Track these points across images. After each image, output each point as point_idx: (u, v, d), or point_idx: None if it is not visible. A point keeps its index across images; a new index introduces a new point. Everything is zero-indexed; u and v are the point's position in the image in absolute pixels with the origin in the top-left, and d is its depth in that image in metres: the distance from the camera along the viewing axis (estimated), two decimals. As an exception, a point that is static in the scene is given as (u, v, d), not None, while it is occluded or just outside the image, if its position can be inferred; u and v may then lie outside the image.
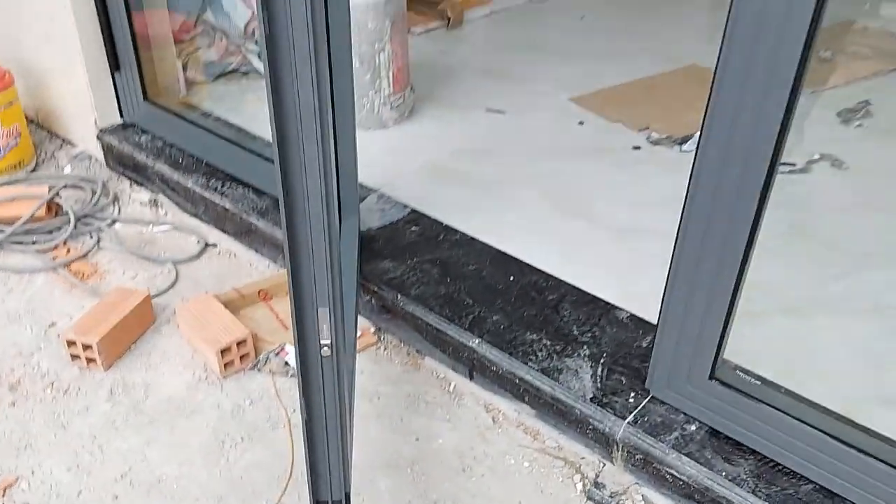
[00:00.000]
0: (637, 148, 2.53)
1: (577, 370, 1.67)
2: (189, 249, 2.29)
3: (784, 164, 1.30)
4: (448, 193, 2.28)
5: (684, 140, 2.53)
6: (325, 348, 1.27)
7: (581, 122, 2.68)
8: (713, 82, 1.26)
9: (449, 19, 3.40)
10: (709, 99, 1.27)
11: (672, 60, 3.11)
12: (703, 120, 1.30)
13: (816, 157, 2.45)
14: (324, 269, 1.20)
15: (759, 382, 1.46)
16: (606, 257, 2.04)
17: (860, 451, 1.34)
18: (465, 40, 3.37)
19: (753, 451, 1.47)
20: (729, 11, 1.19)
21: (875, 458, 1.33)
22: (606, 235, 2.12)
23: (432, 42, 3.31)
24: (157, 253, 2.28)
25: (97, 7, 2.32)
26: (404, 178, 2.35)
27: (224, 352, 1.85)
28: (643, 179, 2.37)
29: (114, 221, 2.39)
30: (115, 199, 2.48)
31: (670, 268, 1.46)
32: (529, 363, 1.68)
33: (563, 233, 2.13)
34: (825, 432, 1.38)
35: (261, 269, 2.22)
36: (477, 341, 1.75)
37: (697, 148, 1.34)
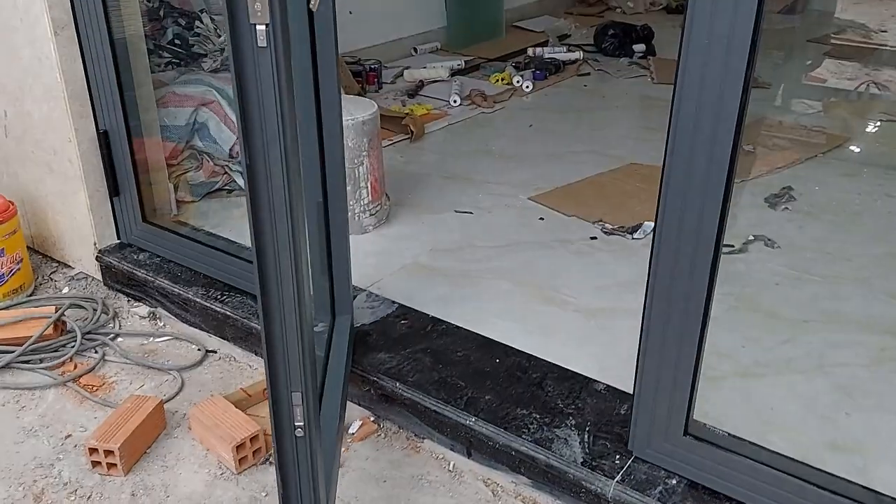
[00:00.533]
0: (594, 238, 2.81)
1: (566, 439, 1.86)
2: (191, 357, 2.45)
3: (725, 245, 1.57)
4: (431, 288, 2.51)
5: (634, 229, 2.82)
6: (299, 429, 1.44)
7: (541, 218, 2.97)
8: (662, 178, 1.53)
9: (412, 133, 3.72)
10: (660, 193, 1.55)
11: (614, 159, 3.47)
12: (657, 212, 1.57)
13: (751, 238, 2.77)
14: (297, 356, 1.39)
15: (727, 435, 1.69)
16: (579, 336, 2.27)
17: (817, 486, 1.56)
18: (427, 150, 3.69)
19: (728, 498, 1.68)
20: (669, 122, 1.47)
21: (830, 491, 1.55)
22: (577, 317, 2.36)
23: (399, 153, 3.61)
24: (161, 362, 2.42)
25: (99, 139, 2.55)
26: (389, 277, 2.57)
27: (238, 448, 1.99)
28: (602, 266, 2.64)
29: (116, 335, 2.53)
30: (115, 314, 2.63)
31: (640, 342, 1.70)
32: (523, 436, 1.87)
33: (539, 317, 2.36)
34: (787, 473, 1.60)
35: (261, 370, 2.38)
36: (473, 420, 1.94)
37: (654, 236, 1.60)
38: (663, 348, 1.65)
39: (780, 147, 3.58)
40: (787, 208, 3.02)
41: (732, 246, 2.72)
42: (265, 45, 1.18)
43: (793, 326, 2.34)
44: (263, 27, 1.17)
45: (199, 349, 2.47)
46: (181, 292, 2.51)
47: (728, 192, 1.47)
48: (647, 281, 1.64)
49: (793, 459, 1.64)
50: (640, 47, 5.24)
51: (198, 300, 2.48)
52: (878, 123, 4.02)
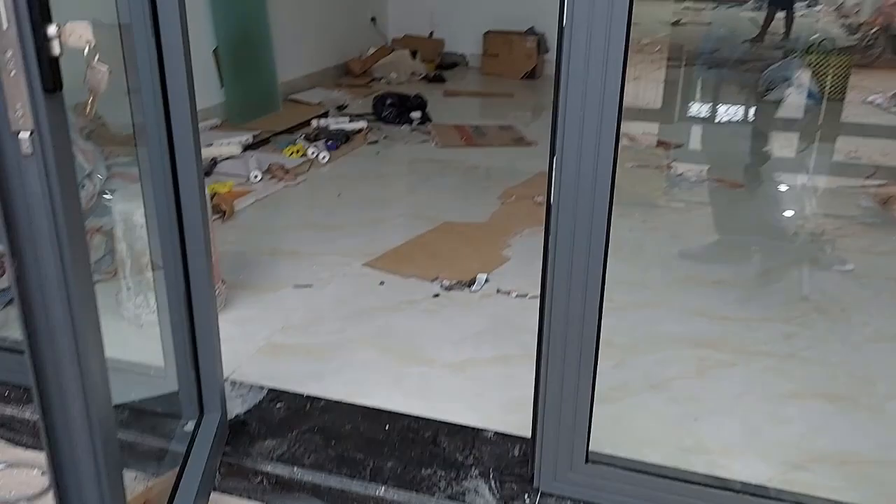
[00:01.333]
0: (436, 295, 2.96)
1: (475, 489, 1.95)
2: (34, 483, 2.17)
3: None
4: (295, 367, 2.47)
5: (471, 283, 3.02)
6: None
7: (382, 283, 3.05)
8: (546, 245, 1.71)
9: (223, 212, 3.63)
10: (545, 252, 1.72)
11: (428, 220, 3.66)
12: (544, 268, 1.74)
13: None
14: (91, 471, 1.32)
15: (621, 457, 1.89)
16: (454, 390, 2.37)
17: (689, 482, 1.82)
18: (243, 228, 3.62)
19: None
20: (548, 199, 1.66)
21: (698, 484, 1.82)
22: (446, 372, 2.47)
23: (216, 235, 3.49)
24: (4, 496, 2.12)
25: None
26: (248, 362, 2.49)
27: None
28: (453, 320, 2.79)
29: (-68, 476, 2.16)
30: (-77, 451, 2.25)
31: (538, 384, 1.85)
32: (436, 494, 1.93)
33: (411, 378, 2.43)
34: (667, 477, 1.83)
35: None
36: (383, 489, 1.96)
37: (542, 291, 1.77)
38: (561, 386, 1.81)
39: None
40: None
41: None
42: (30, 152, 1.12)
43: (623, 351, 2.65)
44: (27, 134, 1.11)
45: (42, 473, 2.20)
46: (14, 413, 2.23)
47: (607, 252, 1.69)
48: (540, 326, 1.80)
49: (670, 468, 1.89)
50: (416, 114, 5.58)
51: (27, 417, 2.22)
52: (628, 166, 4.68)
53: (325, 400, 2.29)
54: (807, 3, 13.64)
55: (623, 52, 1.51)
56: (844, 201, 4.35)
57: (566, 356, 1.79)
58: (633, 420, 2.29)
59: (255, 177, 4.20)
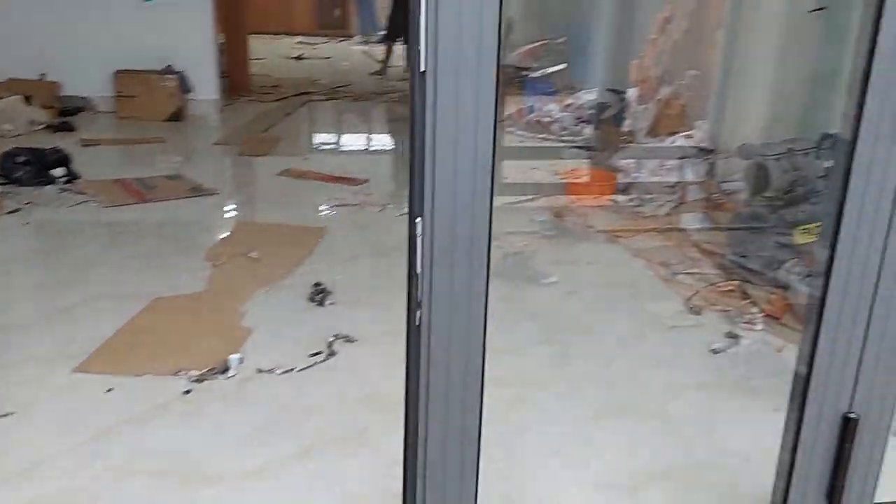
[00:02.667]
0: (188, 392, 2.44)
1: None
2: None
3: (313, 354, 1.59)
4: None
5: (224, 368, 2.55)
6: None
7: (109, 389, 2.43)
8: (410, 320, 1.46)
9: None
10: (414, 328, 1.47)
11: (134, 299, 3.04)
12: (415, 345, 1.48)
13: (332, 338, 2.81)
14: None
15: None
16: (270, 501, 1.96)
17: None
18: None
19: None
20: (412, 267, 1.42)
21: None
22: (245, 484, 2.02)
23: None
24: None
25: None
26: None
27: None
28: (222, 418, 2.33)
29: None
30: None
31: (415, 477, 1.58)
32: None
33: (207, 500, 1.95)
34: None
35: None
36: None
37: (409, 370, 1.51)
38: (444, 476, 1.56)
39: (280, 251, 3.70)
40: (332, 302, 3.15)
41: (321, 352, 2.71)
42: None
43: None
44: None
45: None
46: None
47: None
48: (409, 404, 1.54)
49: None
50: (59, 171, 4.69)
51: None
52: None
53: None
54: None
55: (496, 90, 1.33)
56: (520, 217, 4.71)
57: (447, 450, 1.54)
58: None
59: None
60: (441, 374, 1.49)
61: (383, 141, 6.92)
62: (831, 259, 1.50)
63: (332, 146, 6.51)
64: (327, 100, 8.29)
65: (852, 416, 1.61)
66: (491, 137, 1.35)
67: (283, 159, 5.50)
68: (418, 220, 1.41)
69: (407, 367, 1.54)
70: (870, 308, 1.53)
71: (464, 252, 1.41)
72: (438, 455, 1.54)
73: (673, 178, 4.63)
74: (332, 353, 2.73)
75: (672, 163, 4.72)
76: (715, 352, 2.85)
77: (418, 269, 1.43)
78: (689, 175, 4.61)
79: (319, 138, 6.74)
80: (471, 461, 1.55)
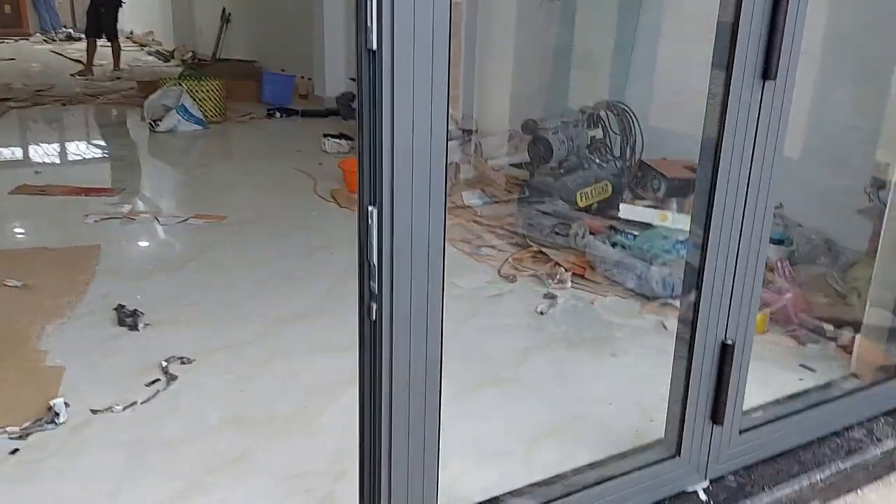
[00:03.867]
0: (15, 451, 2.05)
1: None
2: None
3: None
4: None
5: (53, 417, 2.18)
6: None
7: None
8: (363, 317, 1.39)
9: None
10: (368, 327, 1.40)
11: None
12: (369, 345, 1.42)
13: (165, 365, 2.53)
14: None
15: None
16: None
17: None
18: None
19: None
20: (365, 258, 1.35)
21: None
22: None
23: None
24: None
25: None
26: None
27: None
28: (77, 472, 1.99)
29: None
30: None
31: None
32: None
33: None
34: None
35: None
36: None
37: (363, 372, 1.44)
38: (409, 461, 1.51)
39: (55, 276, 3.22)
40: (147, 324, 2.82)
41: (158, 379, 2.43)
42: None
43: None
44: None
45: None
46: None
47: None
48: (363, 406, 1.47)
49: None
50: None
51: None
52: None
53: None
54: (128, 33, 13.59)
55: (447, 55, 1.30)
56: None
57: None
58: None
59: None
60: (402, 365, 1.44)
61: (114, 145, 6.27)
62: (708, 219, 1.73)
63: (62, 156, 5.75)
64: (32, 105, 7.30)
65: (729, 342, 1.85)
66: (446, 113, 1.33)
67: (9, 174, 4.75)
68: (371, 208, 1.34)
69: (361, 362, 1.47)
70: (735, 259, 1.80)
71: (422, 238, 1.38)
72: (402, 443, 1.49)
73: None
74: (172, 378, 2.46)
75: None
76: (541, 313, 3.06)
77: (374, 260, 1.37)
78: (458, 155, 4.85)
79: (43, 148, 5.91)
80: (433, 445, 1.53)
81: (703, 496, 1.94)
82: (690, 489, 1.96)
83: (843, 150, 3.45)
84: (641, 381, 2.57)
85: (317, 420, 2.29)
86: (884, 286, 2.51)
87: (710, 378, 1.87)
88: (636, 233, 3.24)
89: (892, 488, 2.20)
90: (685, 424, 1.90)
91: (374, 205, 1.34)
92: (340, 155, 5.66)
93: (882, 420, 2.29)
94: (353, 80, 6.81)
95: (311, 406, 2.36)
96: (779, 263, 3.10)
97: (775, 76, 1.66)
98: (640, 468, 1.88)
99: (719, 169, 1.71)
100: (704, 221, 1.76)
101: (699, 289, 1.79)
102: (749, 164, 1.73)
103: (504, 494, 1.85)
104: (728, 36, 1.62)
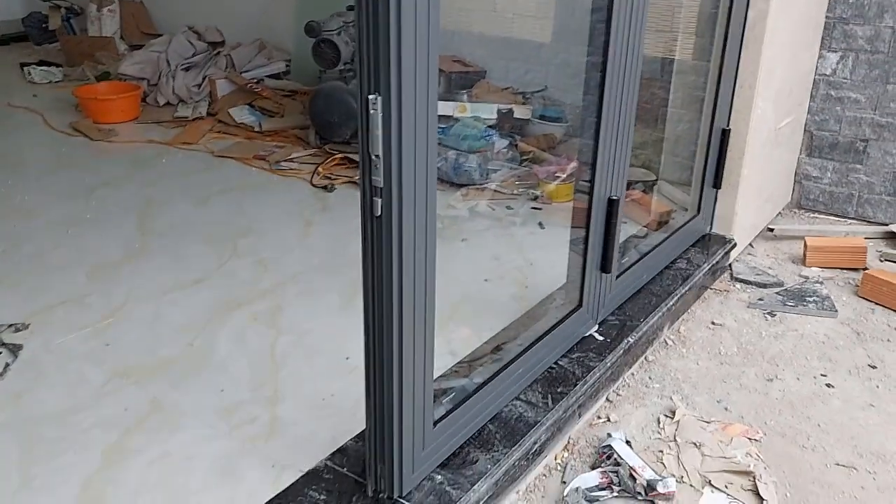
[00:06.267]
0: None
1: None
2: None
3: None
4: None
5: None
6: None
7: None
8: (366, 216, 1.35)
9: None
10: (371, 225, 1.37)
11: None
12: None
13: None
14: None
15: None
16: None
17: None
18: None
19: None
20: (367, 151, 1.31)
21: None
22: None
23: None
24: None
25: None
26: None
27: None
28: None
29: None
30: None
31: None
32: None
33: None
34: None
35: None
36: None
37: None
38: (414, 344, 1.53)
39: None
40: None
41: (-3, 353, 2.06)
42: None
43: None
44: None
45: None
46: None
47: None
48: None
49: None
50: None
51: None
52: None
53: None
54: None
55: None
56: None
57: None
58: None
59: None
60: (409, 260, 1.43)
61: None
62: (600, 102, 1.92)
63: None
64: None
65: (614, 197, 2.10)
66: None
67: None
68: (373, 97, 1.29)
69: (365, 259, 1.43)
70: (616, 129, 2.01)
71: (422, 128, 1.36)
72: (409, 333, 1.50)
73: (197, 76, 4.46)
74: (15, 349, 2.09)
75: (190, 61, 4.52)
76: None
77: (378, 153, 1.32)
78: (210, 70, 4.51)
79: None
80: (430, 332, 1.56)
81: (599, 337, 2.21)
82: (587, 333, 2.22)
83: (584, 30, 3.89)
84: (497, 258, 2.77)
85: (213, 354, 2.13)
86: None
87: (600, 231, 2.11)
88: (442, 126, 3.37)
89: (708, 302, 2.69)
90: (585, 277, 2.13)
91: (377, 93, 1.29)
92: (55, 85, 4.92)
93: (692, 249, 2.77)
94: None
95: (196, 343, 2.18)
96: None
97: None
98: (556, 326, 2.08)
99: (608, 57, 1.88)
100: (597, 105, 1.93)
101: (594, 155, 1.99)
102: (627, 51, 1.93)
103: (447, 373, 1.94)
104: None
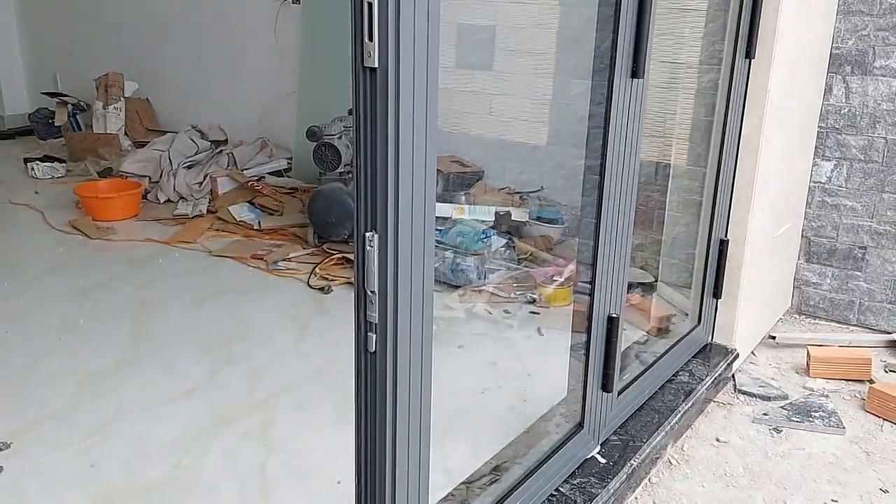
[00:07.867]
0: None
1: None
2: None
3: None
4: None
5: None
6: None
7: None
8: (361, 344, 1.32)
9: None
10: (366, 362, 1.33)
11: None
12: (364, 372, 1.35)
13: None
14: None
15: None
16: None
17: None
18: None
19: None
20: (362, 286, 1.29)
21: None
22: None
23: None
24: None
25: None
26: None
27: None
28: None
29: None
30: None
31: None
32: None
33: None
34: None
35: None
36: None
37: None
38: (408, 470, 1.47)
39: None
40: None
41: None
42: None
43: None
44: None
45: None
46: None
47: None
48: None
49: None
50: None
51: None
52: None
53: None
54: None
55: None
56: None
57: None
58: None
59: None
60: (403, 396, 1.39)
61: None
62: (598, 216, 1.92)
63: None
64: None
65: (614, 315, 2.07)
66: (436, 136, 1.31)
67: None
68: (370, 234, 1.28)
69: (358, 395, 1.39)
70: (615, 246, 2.01)
71: (419, 265, 1.34)
72: (404, 473, 1.45)
73: (199, 174, 4.51)
74: (-3, 469, 2.02)
75: (192, 159, 4.57)
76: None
77: (374, 289, 1.30)
78: (212, 168, 4.56)
79: None
80: (426, 472, 1.50)
81: (601, 459, 2.14)
82: (589, 455, 2.15)
83: (578, 134, 3.97)
84: (494, 365, 2.72)
85: (201, 476, 2.06)
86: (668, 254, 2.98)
87: (601, 349, 2.08)
88: (440, 228, 3.38)
89: (711, 416, 2.62)
90: (587, 396, 2.08)
91: (374, 230, 1.27)
92: (57, 180, 4.97)
93: (694, 361, 2.72)
94: (46, 94, 6.04)
95: (185, 462, 2.11)
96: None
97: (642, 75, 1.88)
98: (557, 449, 2.02)
99: (606, 166, 1.89)
100: (595, 218, 1.93)
101: (594, 274, 1.97)
102: (624, 160, 1.94)
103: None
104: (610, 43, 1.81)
